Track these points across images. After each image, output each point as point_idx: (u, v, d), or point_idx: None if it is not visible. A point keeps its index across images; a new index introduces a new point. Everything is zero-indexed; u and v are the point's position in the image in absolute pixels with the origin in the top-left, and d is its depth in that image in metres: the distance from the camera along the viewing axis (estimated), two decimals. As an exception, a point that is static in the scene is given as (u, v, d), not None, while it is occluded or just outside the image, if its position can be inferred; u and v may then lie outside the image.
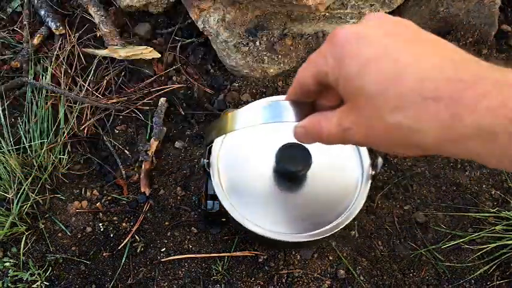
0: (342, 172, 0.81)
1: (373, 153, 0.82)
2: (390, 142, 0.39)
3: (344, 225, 0.76)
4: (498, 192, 1.19)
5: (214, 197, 0.87)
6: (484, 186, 1.20)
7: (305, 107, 0.46)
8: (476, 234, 1.13)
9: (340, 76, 0.40)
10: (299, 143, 0.63)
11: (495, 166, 0.36)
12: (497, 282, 1.08)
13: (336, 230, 0.75)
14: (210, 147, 0.81)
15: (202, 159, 0.80)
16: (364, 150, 0.82)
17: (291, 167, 0.74)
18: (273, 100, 0.47)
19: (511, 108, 0.32)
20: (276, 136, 0.78)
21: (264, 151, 0.80)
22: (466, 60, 0.36)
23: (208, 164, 0.80)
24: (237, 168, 0.81)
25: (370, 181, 0.79)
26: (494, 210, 1.16)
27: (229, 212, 0.77)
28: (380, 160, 0.77)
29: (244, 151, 0.82)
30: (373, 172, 0.79)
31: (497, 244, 1.10)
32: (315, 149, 0.74)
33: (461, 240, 1.12)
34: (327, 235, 0.75)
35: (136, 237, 1.12)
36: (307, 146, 0.74)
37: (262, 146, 0.81)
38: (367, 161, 0.81)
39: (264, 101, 0.48)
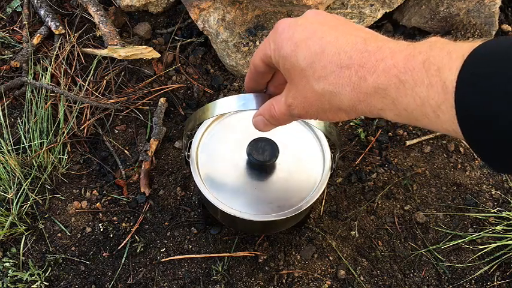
0: (306, 164, 0.92)
1: (332, 149, 0.91)
2: (320, 108, 0.48)
3: (304, 209, 0.86)
4: (498, 193, 1.19)
5: None
6: (484, 186, 1.20)
7: (266, 98, 0.57)
8: (477, 234, 1.12)
9: (280, 57, 0.49)
10: (268, 137, 0.83)
11: (396, 119, 0.44)
12: (498, 283, 1.08)
13: (297, 212, 0.86)
14: (191, 142, 0.91)
15: (183, 151, 0.89)
16: (326, 145, 0.93)
17: (260, 157, 0.85)
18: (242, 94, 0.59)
19: (399, 68, 0.41)
20: (248, 133, 0.89)
21: (237, 146, 0.91)
22: (374, 37, 0.46)
23: (189, 156, 0.90)
24: (214, 160, 0.91)
25: (329, 172, 0.90)
26: (494, 210, 1.16)
27: (206, 196, 0.86)
28: (338, 154, 0.87)
29: (220, 146, 0.93)
30: (333, 164, 0.90)
31: (497, 244, 1.10)
32: (282, 143, 0.87)
33: (461, 240, 1.12)
34: (289, 216, 0.85)
35: (136, 237, 1.12)
36: (274, 140, 0.86)
37: (236, 142, 0.92)
38: (328, 154, 0.91)
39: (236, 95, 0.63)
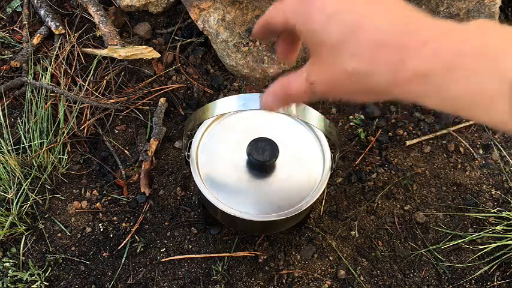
0: (305, 164, 0.92)
1: (332, 149, 0.91)
2: (350, 88, 0.44)
3: (304, 209, 0.86)
4: (498, 193, 1.19)
5: None
6: (484, 186, 1.20)
7: None
8: (477, 234, 1.12)
9: (307, 30, 0.45)
10: (267, 137, 0.82)
11: (437, 107, 0.41)
12: (498, 283, 1.08)
13: (297, 212, 0.85)
14: (190, 142, 0.91)
15: (183, 151, 0.89)
16: (326, 145, 0.92)
17: (260, 157, 0.84)
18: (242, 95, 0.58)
19: (446, 54, 0.37)
20: (248, 133, 0.90)
21: (237, 146, 0.91)
22: (415, 14, 0.41)
23: (189, 156, 0.90)
24: (214, 160, 0.91)
25: (329, 172, 0.90)
26: (494, 210, 1.16)
27: (206, 196, 0.85)
28: (338, 154, 0.86)
29: (220, 146, 0.93)
30: (333, 164, 0.90)
31: (497, 244, 1.10)
32: (282, 143, 0.86)
33: (461, 240, 1.12)
34: (289, 216, 0.85)
35: (136, 237, 1.12)
36: (274, 140, 0.86)
37: (236, 142, 0.91)
38: (328, 154, 0.91)
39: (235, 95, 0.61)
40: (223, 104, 0.61)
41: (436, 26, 0.39)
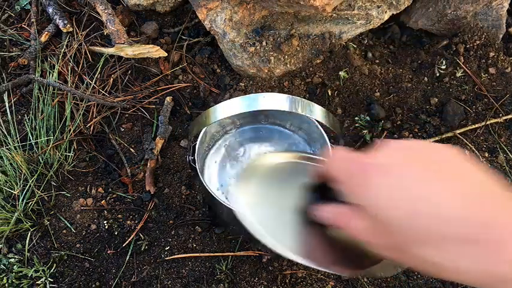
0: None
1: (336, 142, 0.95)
2: (424, 271, 0.39)
3: None
4: (504, 196, 1.19)
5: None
6: (489, 189, 1.20)
7: (270, 98, 0.55)
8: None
9: (362, 201, 0.40)
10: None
11: None
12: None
13: None
14: (195, 146, 0.91)
15: (187, 156, 0.90)
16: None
17: None
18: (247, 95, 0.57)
19: None
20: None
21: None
22: (500, 196, 0.35)
23: (194, 160, 0.90)
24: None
25: None
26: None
27: (212, 194, 0.87)
28: (342, 141, 0.87)
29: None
30: None
31: None
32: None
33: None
34: None
35: (141, 235, 1.12)
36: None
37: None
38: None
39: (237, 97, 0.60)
40: (227, 107, 0.59)
41: (508, 216, 0.34)
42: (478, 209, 0.34)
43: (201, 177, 0.89)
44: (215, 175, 1.02)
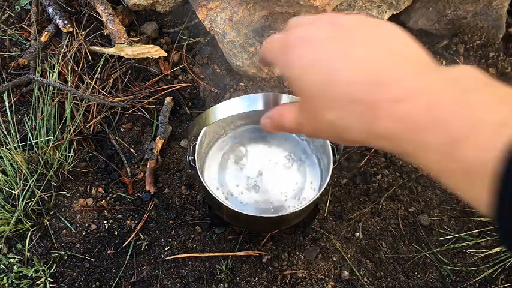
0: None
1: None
2: (331, 136, 0.44)
3: (316, 197, 0.90)
4: (504, 196, 1.19)
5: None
6: (489, 189, 1.20)
7: (271, 97, 0.54)
8: (481, 237, 1.12)
9: (288, 77, 0.45)
10: None
11: (407, 160, 0.39)
12: (502, 286, 1.08)
13: (304, 206, 0.89)
14: (194, 146, 0.93)
15: (187, 156, 0.91)
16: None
17: None
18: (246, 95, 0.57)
19: (418, 120, 0.34)
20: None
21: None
22: (395, 61, 0.39)
23: (194, 160, 0.92)
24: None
25: (333, 164, 0.94)
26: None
27: (212, 195, 0.88)
28: (342, 145, 0.90)
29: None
30: (336, 155, 0.93)
31: (501, 248, 1.10)
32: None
33: (465, 243, 1.12)
34: (299, 210, 0.89)
35: (141, 235, 1.12)
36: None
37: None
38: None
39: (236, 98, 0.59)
40: (227, 107, 0.59)
41: (410, 81, 0.36)
42: (375, 71, 0.38)
43: (201, 177, 0.89)
44: (215, 175, 1.02)
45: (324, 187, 0.90)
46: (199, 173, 0.90)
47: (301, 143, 1.06)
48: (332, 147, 0.94)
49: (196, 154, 0.92)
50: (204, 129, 0.95)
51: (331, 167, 0.92)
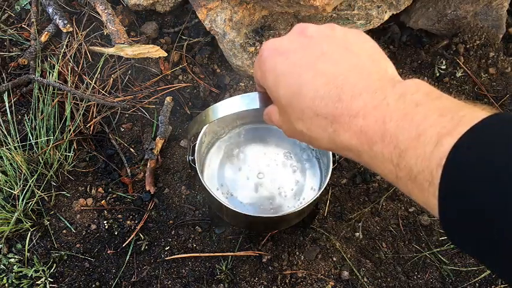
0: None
1: None
2: (305, 142, 0.48)
3: (309, 203, 0.90)
4: (504, 196, 1.19)
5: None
6: (489, 189, 1.20)
7: (267, 96, 0.55)
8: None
9: (264, 86, 0.48)
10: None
11: (370, 169, 0.43)
12: (502, 286, 1.08)
13: (304, 206, 0.90)
14: (194, 145, 0.93)
15: (187, 156, 0.92)
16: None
17: None
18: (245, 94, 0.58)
19: (369, 135, 0.38)
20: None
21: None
22: (354, 77, 0.41)
23: (194, 160, 0.92)
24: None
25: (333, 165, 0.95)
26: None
27: (213, 196, 0.89)
28: None
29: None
30: (336, 154, 0.94)
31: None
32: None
33: (466, 243, 1.11)
34: (298, 210, 0.90)
35: (141, 235, 1.12)
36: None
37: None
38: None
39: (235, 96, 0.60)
40: (227, 105, 0.59)
41: (368, 96, 0.39)
42: (338, 86, 0.41)
43: (201, 177, 0.89)
44: (215, 175, 1.02)
45: (324, 187, 0.90)
46: (199, 173, 0.90)
47: (301, 143, 1.06)
48: None
49: (196, 154, 0.92)
50: (203, 129, 0.95)
51: (331, 167, 0.92)
